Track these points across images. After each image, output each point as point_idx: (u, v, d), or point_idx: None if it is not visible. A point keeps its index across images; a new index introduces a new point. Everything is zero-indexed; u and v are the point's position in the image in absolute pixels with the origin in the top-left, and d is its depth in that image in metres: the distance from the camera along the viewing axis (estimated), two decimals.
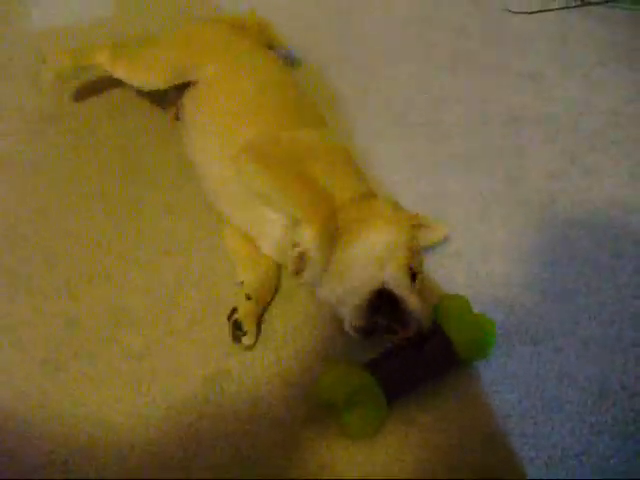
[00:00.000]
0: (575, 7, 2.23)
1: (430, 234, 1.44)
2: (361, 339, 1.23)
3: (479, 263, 1.49)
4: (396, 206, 1.37)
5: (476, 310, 1.31)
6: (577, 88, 1.92)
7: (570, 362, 1.33)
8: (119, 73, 1.64)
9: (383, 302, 1.19)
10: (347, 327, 1.23)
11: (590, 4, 2.23)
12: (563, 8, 2.22)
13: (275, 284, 1.41)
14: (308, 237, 1.21)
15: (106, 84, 1.82)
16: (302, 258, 1.22)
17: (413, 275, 1.26)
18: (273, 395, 1.25)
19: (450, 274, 1.47)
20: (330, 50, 2.04)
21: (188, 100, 1.59)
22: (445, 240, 1.48)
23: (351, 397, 1.14)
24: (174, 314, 1.36)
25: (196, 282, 1.42)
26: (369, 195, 1.37)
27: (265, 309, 1.37)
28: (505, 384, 1.29)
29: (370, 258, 1.25)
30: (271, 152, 1.35)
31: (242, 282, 1.37)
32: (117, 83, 1.73)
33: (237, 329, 1.29)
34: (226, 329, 1.31)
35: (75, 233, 1.51)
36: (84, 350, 1.31)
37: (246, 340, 1.28)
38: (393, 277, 1.23)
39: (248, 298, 1.33)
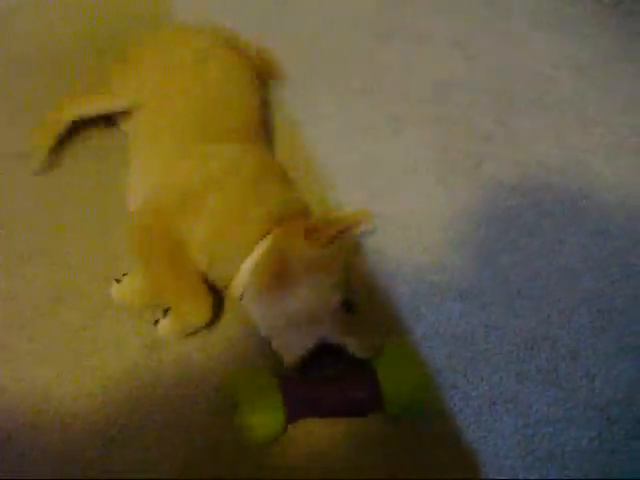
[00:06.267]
0: None
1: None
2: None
3: (409, 225, 1.53)
4: (325, 229, 1.23)
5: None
6: (506, 54, 1.96)
7: (497, 316, 1.39)
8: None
9: (322, 351, 1.18)
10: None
11: None
12: None
13: None
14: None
15: None
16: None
17: (349, 308, 1.22)
18: (212, 360, 1.28)
19: (380, 239, 1.50)
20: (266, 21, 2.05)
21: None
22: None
23: (251, 401, 1.11)
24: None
25: None
26: (291, 218, 1.28)
27: None
28: (436, 340, 1.34)
29: (303, 315, 1.18)
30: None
31: None
32: None
33: None
34: None
35: (11, 211, 1.50)
36: (24, 327, 1.31)
37: None
38: (329, 329, 1.18)
39: None
